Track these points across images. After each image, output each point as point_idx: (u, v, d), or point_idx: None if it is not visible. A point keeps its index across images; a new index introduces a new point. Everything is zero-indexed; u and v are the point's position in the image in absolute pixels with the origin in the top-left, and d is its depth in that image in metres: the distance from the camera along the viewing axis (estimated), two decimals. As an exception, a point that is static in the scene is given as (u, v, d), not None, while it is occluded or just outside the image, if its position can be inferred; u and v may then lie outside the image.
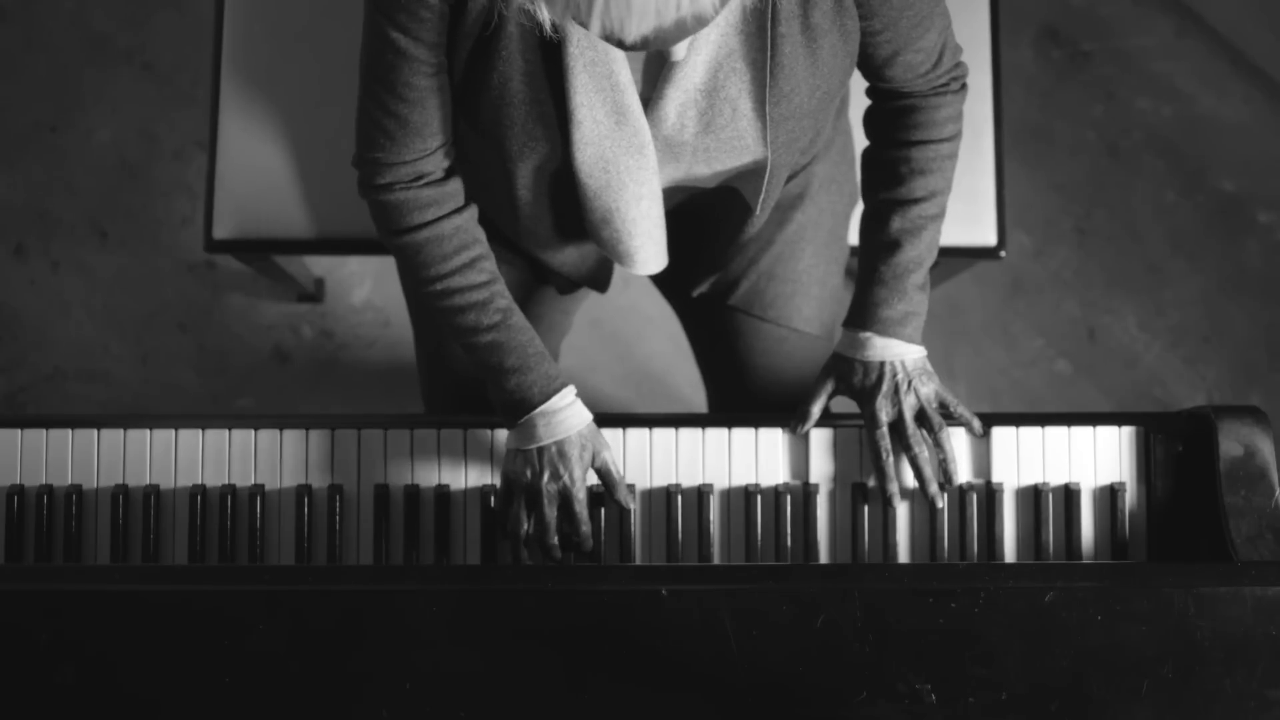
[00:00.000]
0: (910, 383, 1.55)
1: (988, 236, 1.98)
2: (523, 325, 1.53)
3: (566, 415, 1.51)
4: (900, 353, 1.54)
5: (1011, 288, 2.58)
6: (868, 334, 1.54)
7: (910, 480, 1.57)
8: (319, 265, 2.56)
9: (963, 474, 1.58)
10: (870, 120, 1.59)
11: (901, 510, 1.57)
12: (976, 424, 1.57)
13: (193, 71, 2.60)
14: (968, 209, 1.97)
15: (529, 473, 1.51)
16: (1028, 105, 2.62)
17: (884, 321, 1.54)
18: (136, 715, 1.38)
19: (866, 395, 1.55)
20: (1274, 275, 2.58)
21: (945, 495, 1.56)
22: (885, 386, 1.54)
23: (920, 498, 1.57)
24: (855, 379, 1.56)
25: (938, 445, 1.55)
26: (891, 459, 1.55)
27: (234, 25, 1.97)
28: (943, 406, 1.56)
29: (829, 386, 1.58)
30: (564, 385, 1.52)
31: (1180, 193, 2.60)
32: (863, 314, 1.55)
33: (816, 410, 1.57)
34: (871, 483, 1.57)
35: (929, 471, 1.55)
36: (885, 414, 1.55)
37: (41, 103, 2.60)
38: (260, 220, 1.96)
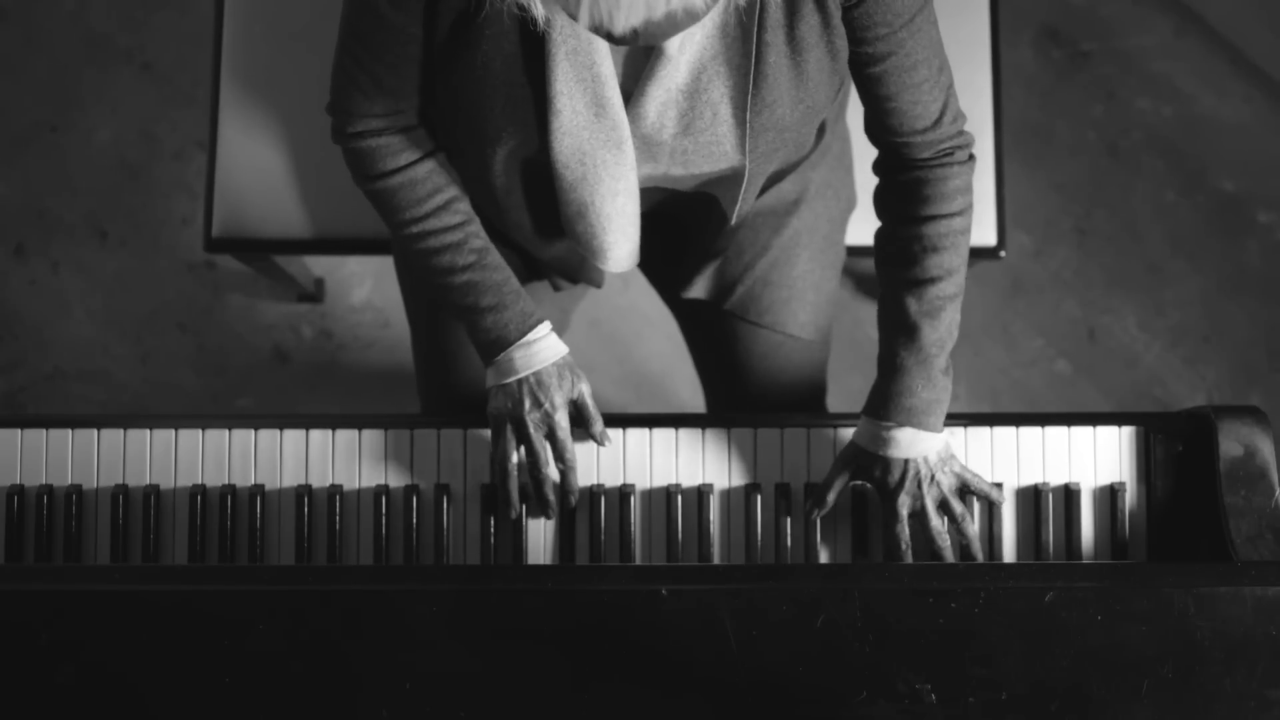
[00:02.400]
0: (933, 477, 1.52)
1: (988, 236, 1.98)
2: (498, 264, 1.55)
3: (542, 347, 1.53)
4: (924, 449, 1.51)
5: (1011, 288, 2.58)
6: (890, 428, 1.50)
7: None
8: (319, 265, 2.56)
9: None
10: (880, 198, 1.56)
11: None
12: (996, 495, 1.54)
13: (193, 71, 2.60)
14: (968, 209, 1.97)
15: (510, 403, 1.52)
16: (1028, 105, 2.62)
17: (908, 411, 1.50)
18: (137, 715, 1.38)
19: (889, 492, 1.52)
20: (1274, 275, 2.58)
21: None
22: (908, 484, 1.51)
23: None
24: (876, 473, 1.52)
25: (961, 534, 1.54)
26: (910, 553, 1.52)
27: (234, 25, 1.97)
28: (964, 487, 1.54)
29: (846, 477, 1.54)
30: (540, 321, 1.54)
31: (1180, 193, 2.60)
32: (885, 403, 1.51)
33: (832, 498, 1.54)
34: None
35: (950, 559, 1.53)
36: (906, 509, 1.52)
37: (41, 103, 2.60)
38: (260, 220, 1.96)
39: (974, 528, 1.54)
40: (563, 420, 1.53)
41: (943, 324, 1.51)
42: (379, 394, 2.53)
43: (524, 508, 1.55)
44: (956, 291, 1.51)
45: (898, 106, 1.46)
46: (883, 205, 1.56)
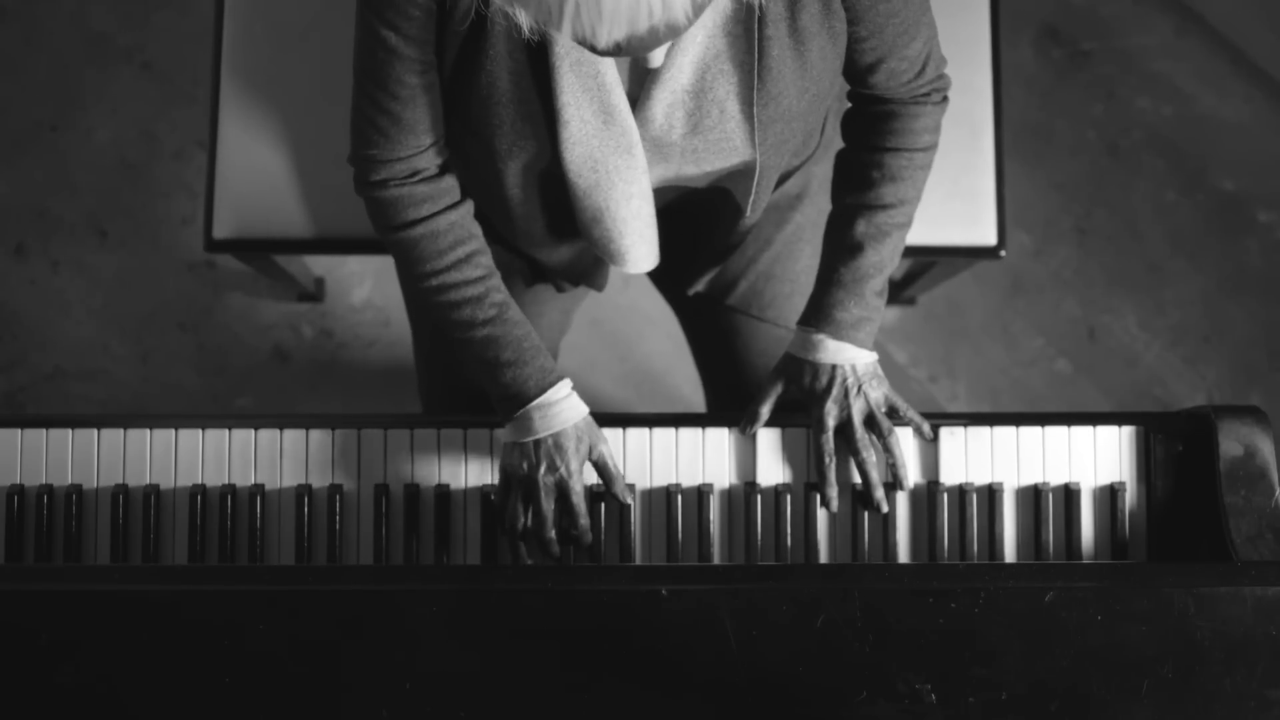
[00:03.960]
0: (860, 387, 1.55)
1: (988, 236, 1.98)
2: (518, 319, 1.53)
3: (562, 408, 1.51)
4: (852, 357, 1.54)
5: (1011, 288, 2.58)
6: (820, 336, 1.55)
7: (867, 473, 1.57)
8: (319, 265, 2.56)
9: (912, 478, 1.57)
10: (848, 124, 1.59)
11: (902, 510, 1.57)
12: (926, 427, 1.57)
13: (193, 71, 2.61)
14: (968, 209, 1.97)
15: (525, 465, 1.51)
16: (1028, 105, 2.62)
17: (838, 324, 1.54)
18: (136, 715, 1.38)
19: (816, 398, 1.55)
20: (1274, 275, 2.58)
21: (900, 495, 1.56)
22: (835, 391, 1.54)
23: (921, 497, 1.57)
24: (805, 380, 1.56)
25: (886, 450, 1.55)
26: (834, 463, 1.55)
27: (234, 25, 1.97)
28: (892, 410, 1.56)
29: (779, 387, 1.57)
30: (560, 378, 1.53)
31: (1180, 192, 2.60)
32: (818, 314, 1.55)
33: (765, 411, 1.57)
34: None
35: (875, 476, 1.55)
36: (833, 418, 1.55)
37: (41, 103, 2.61)
38: (260, 220, 1.96)
39: (901, 448, 1.55)
40: (577, 485, 1.52)
41: (885, 249, 1.54)
42: (379, 394, 2.53)
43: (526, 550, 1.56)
44: (905, 222, 1.55)
45: (886, 66, 1.48)
46: (850, 131, 1.59)
